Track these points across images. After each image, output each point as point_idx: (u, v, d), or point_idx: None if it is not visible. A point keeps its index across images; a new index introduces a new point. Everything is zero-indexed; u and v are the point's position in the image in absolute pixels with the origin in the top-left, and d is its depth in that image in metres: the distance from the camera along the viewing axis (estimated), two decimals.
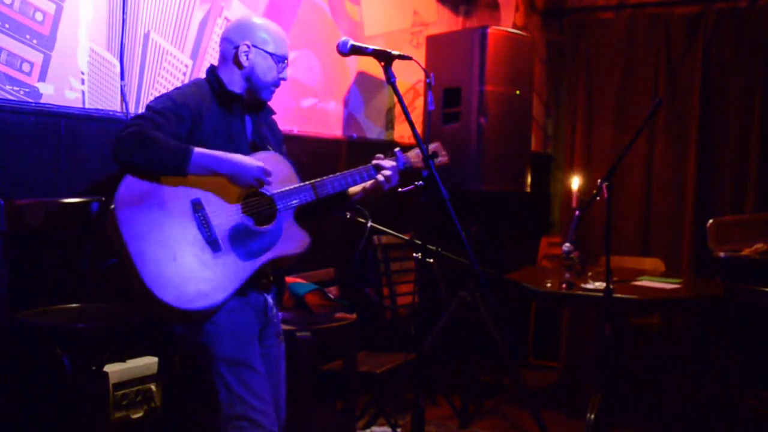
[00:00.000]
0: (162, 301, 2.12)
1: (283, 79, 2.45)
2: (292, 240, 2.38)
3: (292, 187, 2.39)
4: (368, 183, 2.51)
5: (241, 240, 2.27)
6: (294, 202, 2.38)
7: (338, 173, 2.47)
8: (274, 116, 2.59)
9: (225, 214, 2.26)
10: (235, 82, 2.38)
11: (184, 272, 2.17)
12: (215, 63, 2.44)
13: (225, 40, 2.41)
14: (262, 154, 2.38)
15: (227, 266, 2.24)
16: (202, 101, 2.31)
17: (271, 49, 2.38)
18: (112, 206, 2.14)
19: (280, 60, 2.41)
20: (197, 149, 2.18)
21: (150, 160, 2.13)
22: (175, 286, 2.14)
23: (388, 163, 2.50)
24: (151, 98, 3.15)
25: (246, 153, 2.33)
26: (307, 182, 2.41)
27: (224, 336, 2.25)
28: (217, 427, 2.31)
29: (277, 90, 2.47)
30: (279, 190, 2.35)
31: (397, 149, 2.57)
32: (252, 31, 2.38)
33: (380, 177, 2.48)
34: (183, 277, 2.16)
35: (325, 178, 2.44)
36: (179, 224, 2.20)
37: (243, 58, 2.36)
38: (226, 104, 2.36)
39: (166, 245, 2.16)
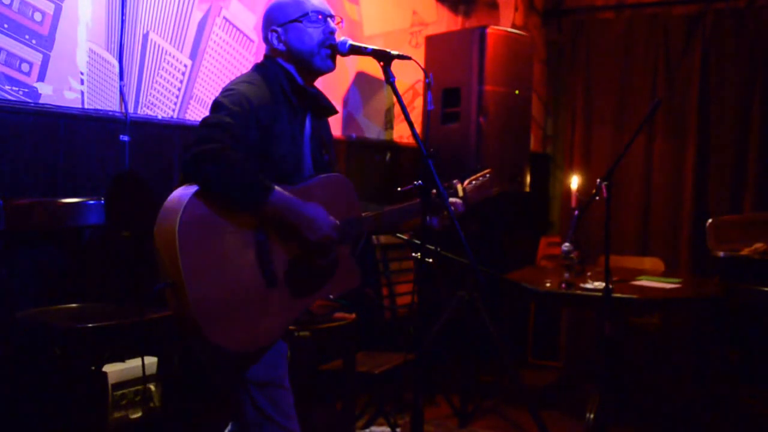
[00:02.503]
0: (209, 340, 1.95)
1: (330, 31, 2.27)
2: (346, 276, 2.29)
3: (355, 218, 2.30)
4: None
5: (297, 274, 2.14)
6: (355, 233, 2.30)
7: (400, 205, 2.40)
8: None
9: (286, 247, 2.13)
10: (291, 70, 2.28)
11: (236, 311, 2.01)
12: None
13: (263, 41, 2.32)
14: (328, 177, 2.29)
15: (279, 305, 2.11)
16: (275, 100, 2.19)
17: (295, 14, 2.24)
18: (174, 227, 1.92)
19: (309, 18, 2.24)
20: (277, 191, 2.02)
21: (228, 190, 1.98)
22: (225, 326, 1.98)
23: (452, 200, 2.43)
24: (151, 98, 3.18)
25: (304, 160, 2.27)
26: (370, 214, 2.34)
27: (253, 360, 2.15)
28: None
29: None
30: (343, 220, 2.24)
31: (455, 181, 2.50)
32: (273, 14, 2.28)
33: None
34: (234, 317, 2.01)
35: (388, 209, 2.37)
36: (239, 257, 2.03)
37: (277, 43, 2.27)
38: (291, 102, 2.25)
39: (222, 278, 1.99)
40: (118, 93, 3.07)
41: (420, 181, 2.42)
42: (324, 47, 2.26)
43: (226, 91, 2.16)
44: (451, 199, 2.47)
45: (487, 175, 2.61)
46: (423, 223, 2.22)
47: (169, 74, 3.27)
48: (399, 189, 2.50)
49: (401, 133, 4.69)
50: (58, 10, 2.84)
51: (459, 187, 2.54)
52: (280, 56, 2.29)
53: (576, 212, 3.84)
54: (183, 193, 1.98)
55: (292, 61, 2.29)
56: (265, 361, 2.17)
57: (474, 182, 2.58)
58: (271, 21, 2.29)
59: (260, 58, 2.37)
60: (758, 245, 4.20)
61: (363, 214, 2.35)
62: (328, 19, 2.28)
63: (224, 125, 2.02)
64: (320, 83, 2.44)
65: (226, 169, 1.96)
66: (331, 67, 2.31)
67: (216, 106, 2.10)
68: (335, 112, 2.43)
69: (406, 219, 2.41)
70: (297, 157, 2.25)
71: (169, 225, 1.93)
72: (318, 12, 2.26)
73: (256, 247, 2.07)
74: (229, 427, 2.36)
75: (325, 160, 2.37)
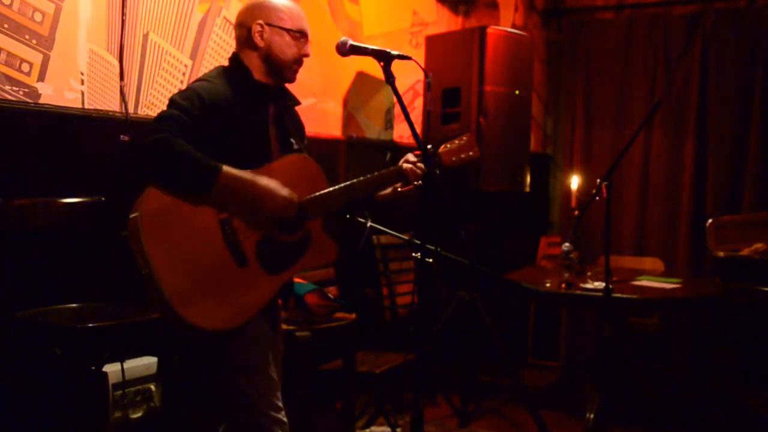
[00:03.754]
0: (186, 321, 2.03)
1: (306, 55, 2.35)
2: (320, 250, 2.33)
3: (321, 192, 2.32)
4: (399, 184, 2.46)
5: (268, 252, 2.20)
6: (323, 208, 2.32)
7: (369, 175, 2.41)
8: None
9: (251, 225, 2.19)
10: (255, 67, 2.30)
11: (210, 291, 2.09)
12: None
13: (238, 25, 2.33)
14: (289, 157, 2.32)
15: (254, 283, 2.17)
16: (230, 94, 2.22)
17: (287, 24, 2.29)
18: (137, 219, 2.03)
19: (299, 35, 2.31)
20: (225, 169, 2.08)
21: (175, 176, 2.06)
22: (200, 306, 2.06)
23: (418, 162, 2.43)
24: (151, 98, 3.18)
25: (270, 149, 2.30)
26: (338, 186, 2.35)
27: (243, 345, 2.20)
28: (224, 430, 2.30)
29: None
30: (308, 197, 2.28)
31: (429, 146, 2.51)
32: (264, 10, 2.30)
33: (410, 174, 2.40)
34: (209, 297, 2.08)
35: (355, 181, 2.37)
36: (206, 239, 2.11)
37: (258, 38, 2.28)
38: (253, 96, 2.28)
39: (192, 262, 2.07)
40: (118, 93, 3.07)
41: (420, 181, 2.43)
42: (295, 64, 2.33)
43: (182, 89, 2.23)
44: (416, 163, 2.46)
45: (465, 139, 2.58)
46: (426, 209, 2.23)
47: (169, 74, 3.27)
48: (399, 189, 2.51)
49: (401, 133, 4.69)
50: (58, 11, 2.84)
51: (433, 153, 2.53)
52: (255, 52, 2.31)
53: (576, 212, 3.84)
54: (148, 186, 2.08)
55: (265, 62, 2.31)
56: (252, 346, 2.21)
57: (449, 146, 2.58)
58: (260, 14, 2.30)
59: None
60: (758, 245, 4.21)
61: (329, 189, 2.35)
62: (306, 41, 2.35)
63: (172, 117, 2.09)
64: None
65: (170, 156, 2.04)
66: (293, 81, 2.37)
67: (169, 102, 2.16)
68: (297, 103, 2.47)
69: (377, 189, 2.44)
70: (260, 147, 2.28)
71: (134, 217, 2.04)
72: (303, 33, 2.33)
73: (221, 229, 2.13)
74: (222, 428, 2.37)
75: (294, 149, 2.39)
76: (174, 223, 2.07)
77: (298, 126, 2.49)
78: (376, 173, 2.42)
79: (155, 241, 2.03)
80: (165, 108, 2.15)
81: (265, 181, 2.17)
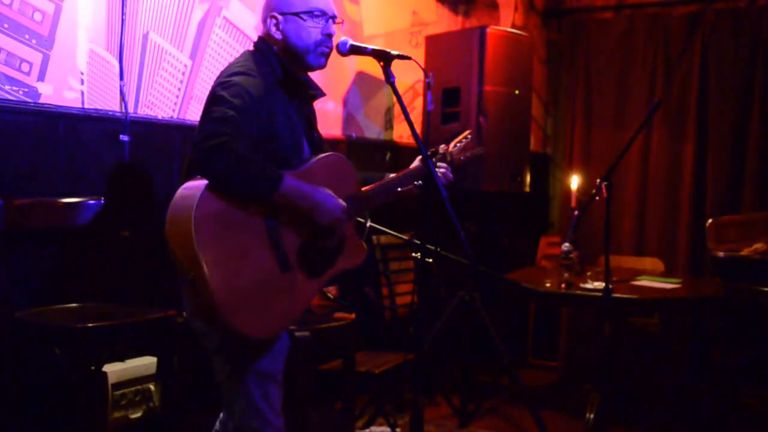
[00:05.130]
0: (234, 327, 1.99)
1: (329, 34, 2.27)
2: (352, 253, 2.35)
3: (357, 194, 2.35)
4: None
5: (307, 257, 2.19)
6: (360, 210, 2.35)
7: (395, 175, 2.48)
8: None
9: (295, 231, 2.17)
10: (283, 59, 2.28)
11: (258, 298, 2.06)
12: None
13: (262, 23, 2.31)
14: (327, 157, 2.31)
15: (295, 289, 2.16)
16: (270, 89, 2.18)
17: (299, 8, 2.23)
18: (189, 222, 1.94)
19: (313, 15, 2.24)
20: (287, 179, 2.06)
21: (237, 184, 2.00)
22: (248, 312, 2.03)
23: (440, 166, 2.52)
24: (151, 98, 3.18)
25: (303, 140, 2.30)
26: (370, 188, 2.39)
27: (266, 353, 2.18)
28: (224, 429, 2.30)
29: None
30: (346, 197, 2.28)
31: (442, 146, 2.59)
32: (275, 1, 2.27)
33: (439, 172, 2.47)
34: (255, 304, 2.05)
35: (383, 182, 2.44)
36: (254, 246, 2.07)
37: (274, 30, 2.26)
38: (289, 90, 2.26)
39: (241, 268, 2.03)
40: (118, 93, 3.07)
41: (420, 181, 2.44)
42: (319, 47, 2.27)
43: (225, 83, 2.13)
44: (440, 165, 2.54)
45: (468, 137, 2.67)
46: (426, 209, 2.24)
47: (169, 74, 3.27)
48: (399, 189, 2.51)
49: (401, 133, 4.69)
50: (58, 10, 2.84)
51: (447, 152, 2.62)
52: (275, 44, 2.28)
53: (576, 212, 3.84)
54: (193, 189, 1.99)
55: (285, 52, 2.28)
56: (270, 350, 2.20)
57: (458, 145, 2.66)
58: (273, 6, 2.27)
59: None
60: (758, 245, 4.20)
61: (363, 189, 2.38)
62: (330, 20, 2.28)
63: (229, 119, 2.02)
64: (321, 83, 2.44)
65: (235, 163, 1.98)
66: (323, 65, 2.31)
67: (217, 99, 2.08)
68: (323, 94, 2.45)
69: (403, 186, 2.49)
70: (295, 141, 2.27)
71: (184, 222, 1.95)
72: (321, 11, 2.26)
73: (267, 234, 2.09)
74: (220, 417, 2.36)
75: (318, 140, 2.40)
76: (224, 228, 2.02)
77: (314, 116, 2.49)
78: (402, 173, 2.49)
79: (207, 246, 1.95)
80: (208, 104, 2.09)
81: (322, 195, 2.17)
